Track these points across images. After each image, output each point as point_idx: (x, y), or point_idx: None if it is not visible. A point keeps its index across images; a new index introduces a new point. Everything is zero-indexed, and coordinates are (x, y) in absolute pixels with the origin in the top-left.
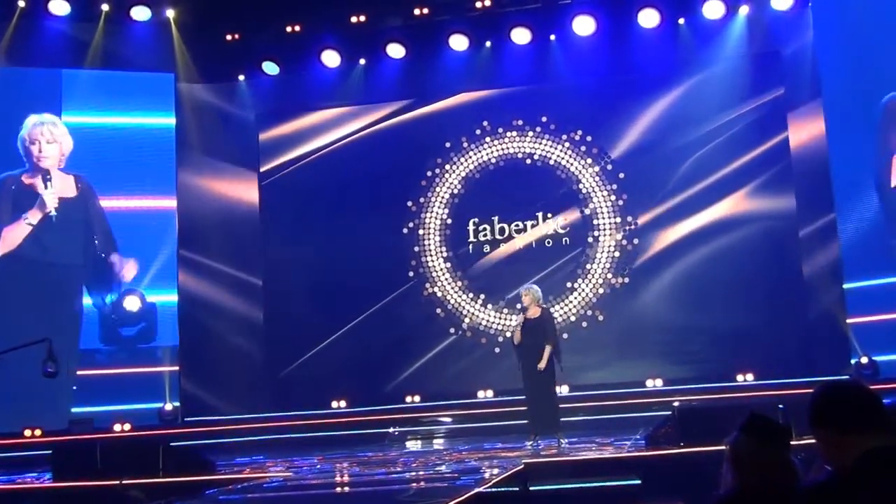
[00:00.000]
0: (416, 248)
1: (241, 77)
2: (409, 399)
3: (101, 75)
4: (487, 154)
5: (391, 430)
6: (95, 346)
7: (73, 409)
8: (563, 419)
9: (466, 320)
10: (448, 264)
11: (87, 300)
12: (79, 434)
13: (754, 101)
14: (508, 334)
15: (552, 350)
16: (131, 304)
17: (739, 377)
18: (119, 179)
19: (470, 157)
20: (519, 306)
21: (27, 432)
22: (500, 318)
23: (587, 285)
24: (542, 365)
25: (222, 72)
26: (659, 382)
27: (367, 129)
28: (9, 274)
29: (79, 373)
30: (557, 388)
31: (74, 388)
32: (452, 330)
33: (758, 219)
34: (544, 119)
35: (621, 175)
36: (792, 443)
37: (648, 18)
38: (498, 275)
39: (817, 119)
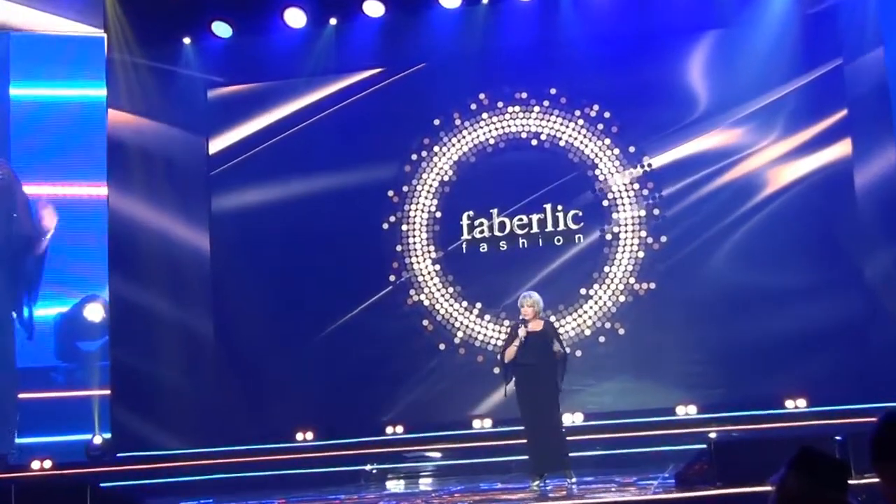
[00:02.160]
0: (399, 248)
1: (187, 40)
2: (389, 430)
3: (18, 38)
4: (485, 133)
5: (368, 467)
6: (52, 362)
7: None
8: (576, 454)
9: (459, 334)
10: (437, 267)
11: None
12: None
13: (807, 70)
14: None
15: (563, 362)
16: (93, 312)
17: (789, 403)
18: (45, 162)
19: (463, 138)
20: (522, 318)
21: None
22: (499, 332)
23: (605, 292)
24: (559, 348)
25: (163, 34)
26: (692, 409)
27: (339, 103)
28: None
29: (21, 396)
30: (567, 417)
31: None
32: (442, 346)
33: (812, 212)
34: (553, 91)
35: (646, 159)
36: (850, 482)
37: None
38: (497, 280)
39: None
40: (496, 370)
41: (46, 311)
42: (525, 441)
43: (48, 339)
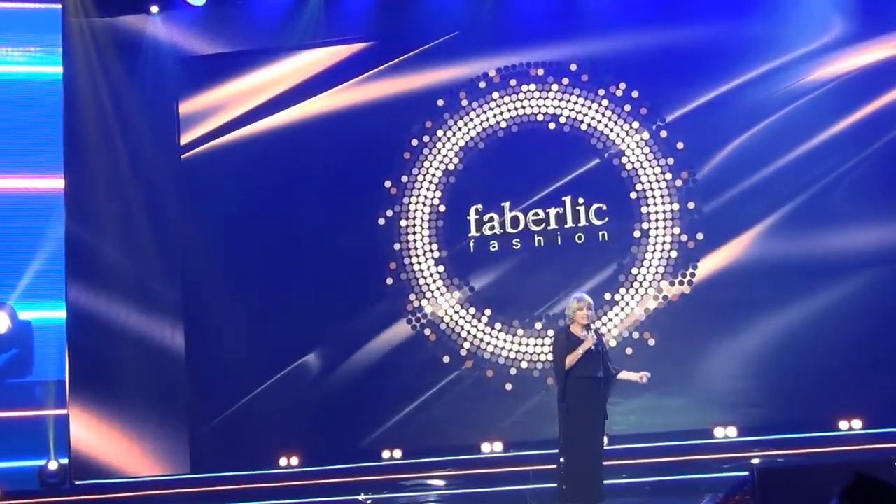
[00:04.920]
0: (397, 246)
1: (154, 9)
2: (386, 454)
3: None
4: (495, 115)
5: (362, 496)
6: None
7: None
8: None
9: (466, 345)
10: (440, 268)
11: None
12: None
13: (861, 44)
14: (525, 364)
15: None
16: None
17: (842, 424)
18: None
19: (471, 120)
20: (589, 322)
21: None
22: (513, 343)
23: (633, 297)
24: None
25: (128, 1)
26: (732, 432)
27: (329, 82)
28: None
29: None
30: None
31: None
32: (447, 359)
33: (875, 208)
34: (573, 67)
35: (679, 145)
36: None
37: None
38: (510, 282)
39: None
40: (508, 386)
41: None
42: (561, 465)
43: None
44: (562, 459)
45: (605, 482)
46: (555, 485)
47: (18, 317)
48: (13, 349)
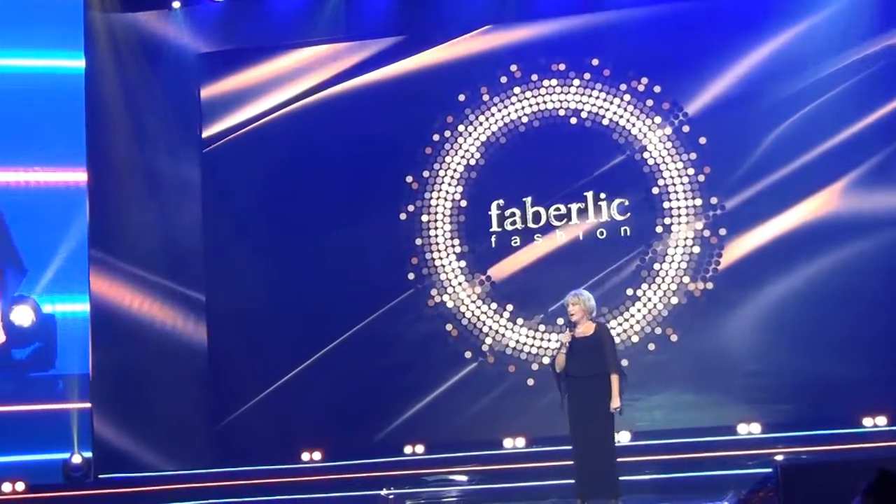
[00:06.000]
0: (419, 241)
1: (176, 3)
2: (408, 450)
3: None
4: (517, 111)
5: (384, 492)
6: None
7: None
8: (624, 478)
9: (488, 341)
10: (462, 263)
11: None
12: None
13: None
14: (546, 359)
15: (619, 380)
16: (21, 316)
17: (867, 421)
18: (6, 144)
19: (492, 115)
20: (564, 320)
21: None
22: (534, 339)
23: (655, 293)
24: (615, 404)
25: None
26: (755, 428)
27: (350, 76)
28: None
29: None
30: (616, 436)
31: None
32: (469, 354)
33: (891, 201)
34: (595, 62)
35: (702, 140)
36: None
37: None
38: (532, 278)
39: None
40: (530, 381)
41: None
42: (571, 462)
43: None
44: None
45: (627, 478)
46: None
47: (42, 310)
48: (36, 343)
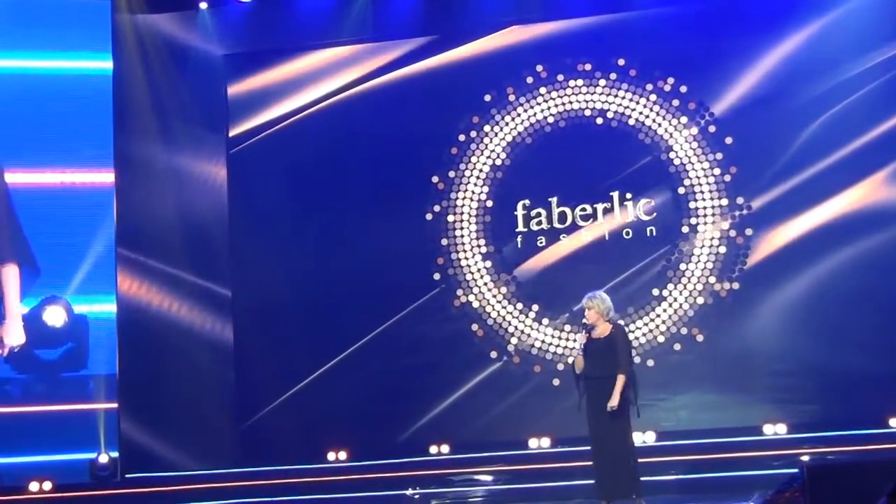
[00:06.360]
0: (445, 242)
1: (203, 4)
2: (434, 450)
3: (10, 2)
4: (542, 111)
5: (409, 491)
6: (5, 374)
7: None
8: (649, 478)
9: (513, 341)
10: (488, 263)
11: None
12: None
13: None
14: (571, 359)
15: (626, 382)
16: (54, 316)
17: (893, 422)
18: (34, 145)
19: (518, 116)
20: (584, 322)
21: None
22: (559, 339)
23: (681, 293)
24: (613, 403)
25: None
26: (781, 429)
27: (376, 77)
28: None
29: None
30: (638, 436)
31: None
32: (494, 354)
33: None
34: (621, 62)
35: (728, 140)
36: None
37: None
38: (557, 278)
39: None
40: (556, 381)
41: None
42: (591, 463)
43: None
44: None
45: (653, 479)
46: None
47: (74, 311)
48: (69, 343)
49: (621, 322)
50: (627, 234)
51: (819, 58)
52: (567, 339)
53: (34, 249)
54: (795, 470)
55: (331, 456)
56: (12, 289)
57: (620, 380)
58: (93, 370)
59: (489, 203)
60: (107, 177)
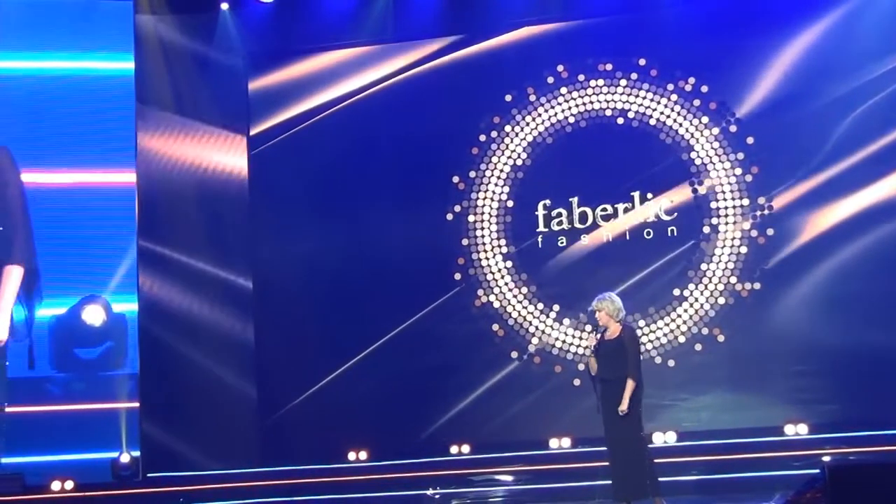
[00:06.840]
0: (465, 242)
1: (225, 5)
2: (454, 450)
3: (33, 2)
4: (563, 111)
5: (429, 491)
6: (47, 372)
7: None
8: (670, 478)
9: (534, 341)
10: (509, 263)
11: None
12: (4, 494)
13: None
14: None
15: (634, 385)
16: (93, 315)
17: None
18: (60, 145)
19: (539, 116)
20: (601, 324)
21: None
22: (580, 339)
23: (702, 293)
24: (623, 407)
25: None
26: (802, 429)
27: (397, 77)
28: None
29: (8, 409)
30: (658, 436)
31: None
32: (514, 354)
33: None
34: (642, 62)
35: (750, 140)
36: None
37: None
38: (578, 278)
39: None
40: (576, 381)
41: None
42: (607, 464)
43: (41, 345)
44: None
45: (673, 479)
46: None
47: (112, 310)
48: (107, 342)
49: (629, 322)
50: (648, 234)
51: (841, 57)
52: (588, 340)
53: (45, 254)
54: (816, 471)
55: (351, 455)
56: (9, 288)
57: (630, 384)
58: (133, 369)
59: (510, 203)
60: (129, 177)
